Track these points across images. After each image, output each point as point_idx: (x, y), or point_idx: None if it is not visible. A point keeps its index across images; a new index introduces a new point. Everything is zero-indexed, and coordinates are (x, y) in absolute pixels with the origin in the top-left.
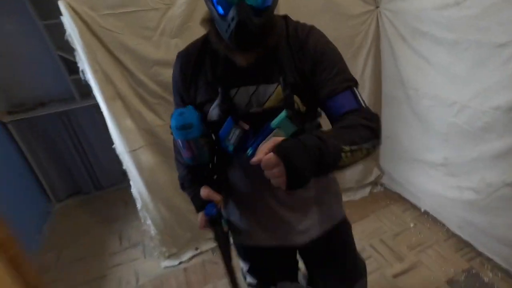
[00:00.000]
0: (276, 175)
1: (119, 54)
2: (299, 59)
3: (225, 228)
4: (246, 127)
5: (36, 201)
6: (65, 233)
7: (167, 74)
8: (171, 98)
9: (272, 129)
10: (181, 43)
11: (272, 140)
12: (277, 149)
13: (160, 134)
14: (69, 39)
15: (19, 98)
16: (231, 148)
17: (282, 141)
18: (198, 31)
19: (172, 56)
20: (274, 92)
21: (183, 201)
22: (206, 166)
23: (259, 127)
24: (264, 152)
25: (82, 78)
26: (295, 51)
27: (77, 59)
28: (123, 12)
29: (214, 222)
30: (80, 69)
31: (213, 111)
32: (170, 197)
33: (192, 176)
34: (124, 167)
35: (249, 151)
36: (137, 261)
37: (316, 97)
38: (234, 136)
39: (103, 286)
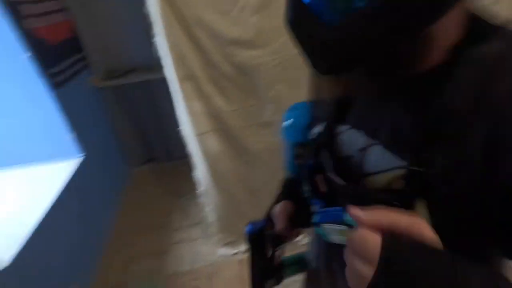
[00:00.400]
0: (354, 267)
1: (196, 30)
2: (467, 139)
3: (278, 260)
4: (322, 188)
5: (117, 165)
6: (138, 199)
7: (243, 55)
8: (244, 82)
9: (342, 222)
10: (261, 21)
11: (394, 216)
12: (387, 239)
13: (229, 120)
14: (148, 10)
15: (113, 64)
16: (304, 193)
17: (404, 237)
18: (280, 8)
19: (250, 35)
20: (392, 171)
21: (244, 193)
22: (297, 180)
23: (337, 199)
24: (368, 220)
25: (154, 53)
26: (462, 119)
27: (154, 32)
28: None
29: (251, 240)
30: (156, 43)
31: (311, 134)
32: (231, 187)
33: (287, 182)
34: (189, 150)
35: (316, 218)
36: (196, 242)
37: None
38: (306, 186)
39: (164, 261)
